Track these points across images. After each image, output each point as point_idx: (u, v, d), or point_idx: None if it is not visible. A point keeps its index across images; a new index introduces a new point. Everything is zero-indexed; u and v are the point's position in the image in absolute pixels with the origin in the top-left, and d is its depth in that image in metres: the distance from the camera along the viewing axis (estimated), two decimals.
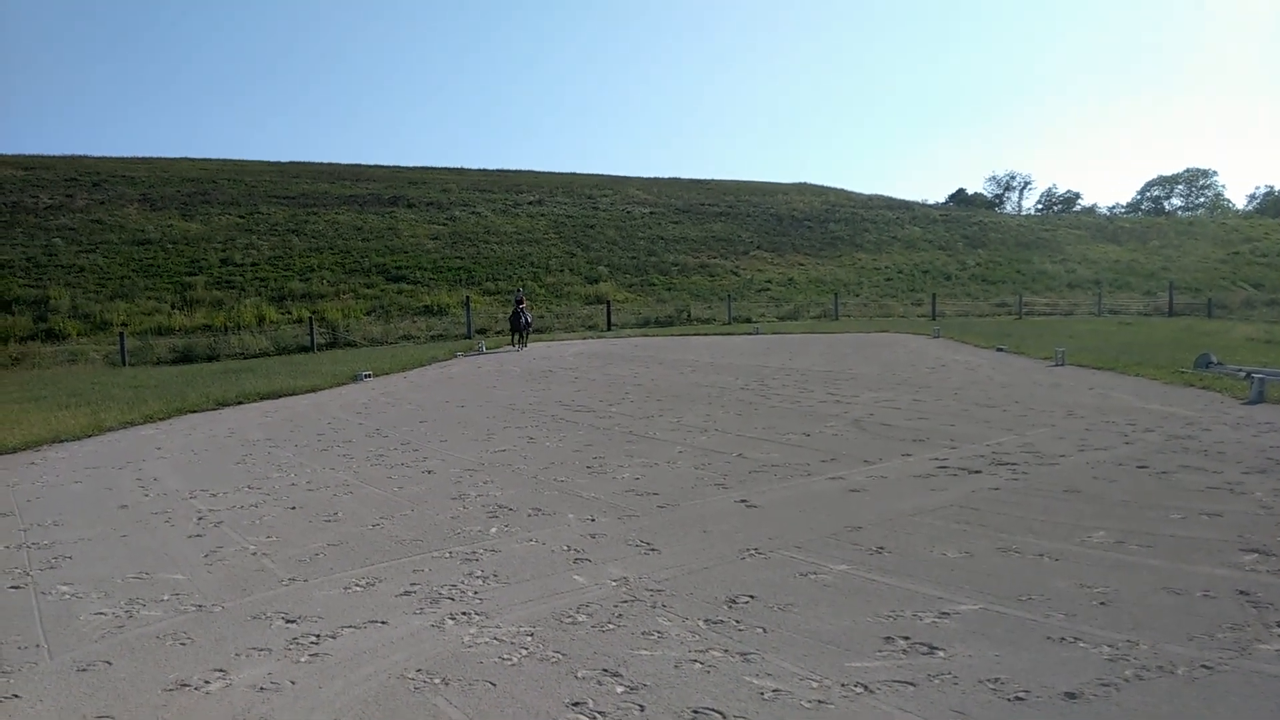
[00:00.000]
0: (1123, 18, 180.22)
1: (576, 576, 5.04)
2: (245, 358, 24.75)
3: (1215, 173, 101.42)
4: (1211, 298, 40.11)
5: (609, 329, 30.75)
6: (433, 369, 19.24)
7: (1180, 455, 7.81)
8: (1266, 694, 3.35)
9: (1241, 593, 4.41)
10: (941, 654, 3.80)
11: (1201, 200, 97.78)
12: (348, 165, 57.82)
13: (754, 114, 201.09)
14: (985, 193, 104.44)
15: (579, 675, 3.70)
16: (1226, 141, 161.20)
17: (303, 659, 3.98)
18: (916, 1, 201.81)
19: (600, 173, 64.69)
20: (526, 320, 24.28)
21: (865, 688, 3.50)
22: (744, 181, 65.16)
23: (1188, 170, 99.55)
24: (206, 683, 3.76)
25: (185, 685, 3.74)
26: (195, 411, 13.35)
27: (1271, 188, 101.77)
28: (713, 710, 3.35)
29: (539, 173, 61.94)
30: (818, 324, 31.30)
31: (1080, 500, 6.38)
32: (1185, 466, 7.35)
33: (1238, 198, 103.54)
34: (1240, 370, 13.79)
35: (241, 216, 39.85)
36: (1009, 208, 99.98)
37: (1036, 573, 4.83)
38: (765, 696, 3.46)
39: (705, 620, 4.29)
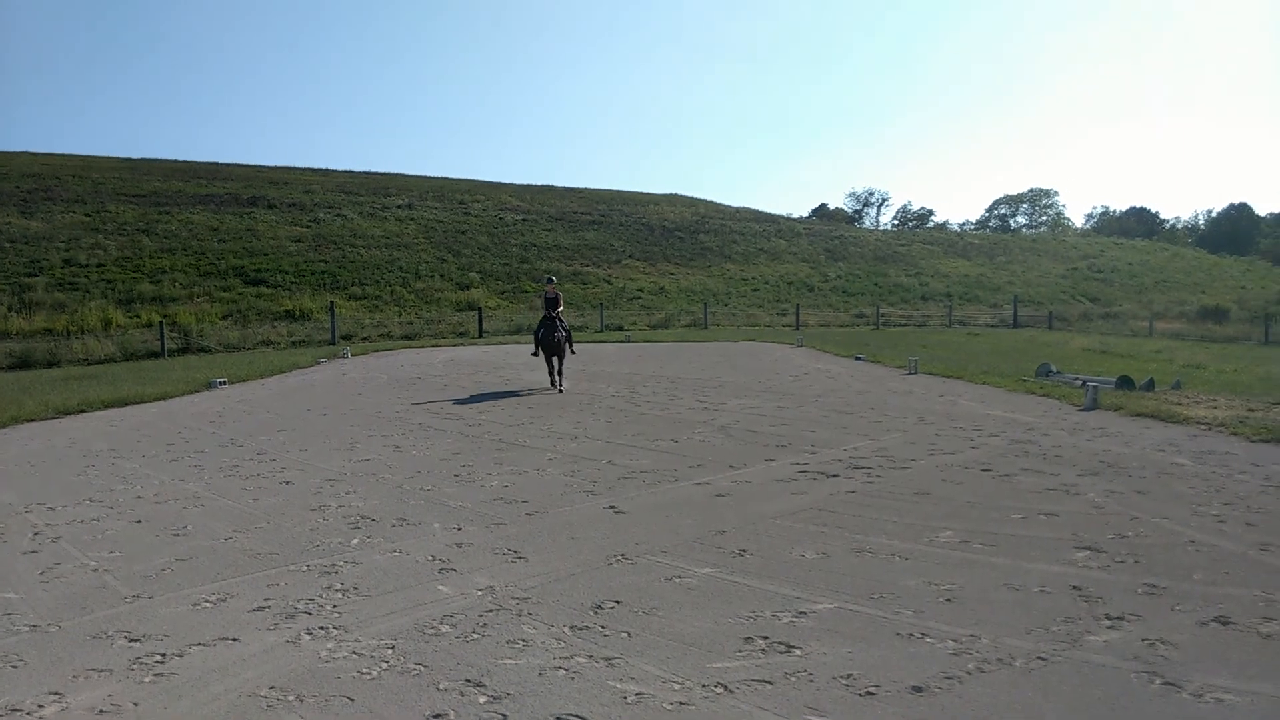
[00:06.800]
0: (969, 45, 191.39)
1: (441, 587, 4.97)
2: (89, 364, 23.24)
3: (1056, 193, 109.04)
4: (1052, 311, 42.97)
5: (480, 336, 30.39)
6: (294, 376, 18.52)
7: (1021, 459, 8.32)
8: (1096, 682, 3.61)
9: (1075, 588, 4.74)
10: (798, 652, 3.93)
11: (1044, 219, 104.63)
12: (204, 163, 55.41)
13: (627, 123, 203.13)
14: (846, 208, 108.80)
15: (441, 687, 3.65)
16: (1066, 163, 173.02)
17: (147, 679, 3.78)
18: (782, 24, 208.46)
19: (472, 178, 64.01)
20: (565, 331, 15.33)
21: (725, 688, 3.59)
22: (617, 191, 65.74)
23: (1031, 190, 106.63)
24: (40, 706, 3.54)
25: (16, 710, 3.51)
26: (33, 420, 12.52)
27: (1107, 208, 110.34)
28: (576, 716, 3.37)
29: (408, 176, 60.80)
30: (688, 333, 31.76)
31: (929, 502, 6.71)
32: (1026, 469, 7.84)
33: (1076, 217, 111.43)
34: (1077, 379, 14.83)
35: (87, 215, 37.49)
36: (868, 223, 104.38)
37: (888, 572, 5.06)
38: (628, 700, 3.50)
39: (571, 627, 4.30)
